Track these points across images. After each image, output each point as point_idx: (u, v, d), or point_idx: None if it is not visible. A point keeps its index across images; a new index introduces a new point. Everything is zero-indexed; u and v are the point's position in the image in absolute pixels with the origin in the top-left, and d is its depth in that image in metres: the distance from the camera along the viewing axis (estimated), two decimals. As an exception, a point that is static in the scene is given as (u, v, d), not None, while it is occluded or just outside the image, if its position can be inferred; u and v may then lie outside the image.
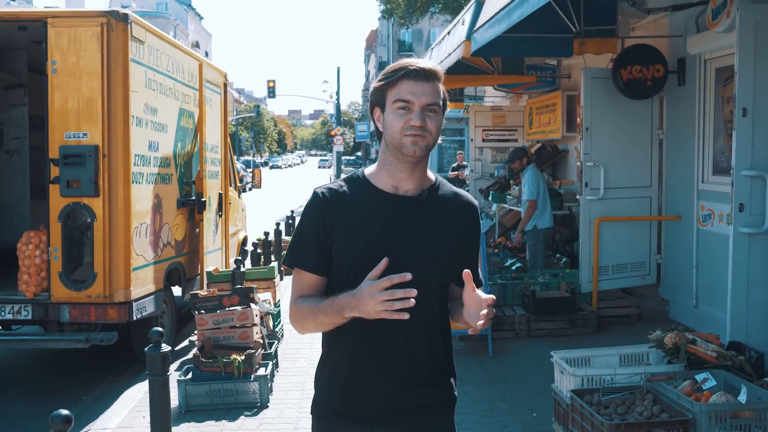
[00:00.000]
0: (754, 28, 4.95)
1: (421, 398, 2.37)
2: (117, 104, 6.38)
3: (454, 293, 2.48)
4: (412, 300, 2.07)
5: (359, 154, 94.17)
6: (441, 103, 2.34)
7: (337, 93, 50.57)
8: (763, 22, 4.94)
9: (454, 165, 22.66)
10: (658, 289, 8.87)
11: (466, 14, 8.87)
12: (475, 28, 7.92)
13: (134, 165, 6.57)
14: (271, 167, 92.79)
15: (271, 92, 50.86)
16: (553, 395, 4.90)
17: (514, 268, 9.55)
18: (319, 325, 2.34)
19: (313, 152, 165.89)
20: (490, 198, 12.76)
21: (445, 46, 10.25)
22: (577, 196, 8.79)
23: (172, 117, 7.67)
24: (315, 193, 2.41)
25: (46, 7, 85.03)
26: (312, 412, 2.47)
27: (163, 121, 7.34)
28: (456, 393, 2.49)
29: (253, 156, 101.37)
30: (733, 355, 4.66)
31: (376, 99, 2.37)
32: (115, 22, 6.36)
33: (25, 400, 6.63)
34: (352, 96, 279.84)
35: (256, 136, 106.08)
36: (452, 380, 2.47)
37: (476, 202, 2.51)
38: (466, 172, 17.61)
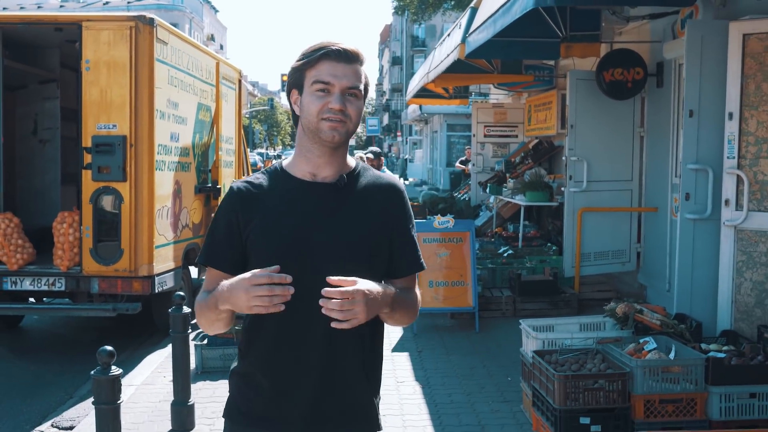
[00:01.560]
0: (700, 41, 5.65)
1: (347, 403, 2.25)
2: (143, 99, 7.13)
3: None
4: (282, 305, 2.00)
5: (372, 148, 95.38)
6: (362, 87, 2.23)
7: (350, 87, 51.29)
8: (708, 36, 5.63)
9: (462, 159, 23.31)
10: (637, 275, 9.57)
11: (463, 18, 9.60)
12: (469, 33, 8.64)
13: (158, 154, 7.33)
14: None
15: (285, 86, 51.70)
16: (521, 357, 5.62)
17: (505, 255, 10.25)
18: (206, 321, 2.23)
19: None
20: (488, 190, 13.47)
21: (445, 46, 10.97)
22: (562, 188, 9.50)
23: (191, 111, 8.43)
24: (230, 188, 2.30)
25: (61, 2, 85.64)
26: (225, 415, 2.32)
27: (183, 114, 8.10)
28: (378, 399, 2.36)
29: (267, 149, 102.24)
30: (676, 323, 5.37)
31: (294, 80, 2.23)
32: (142, 26, 7.10)
33: (59, 361, 7.44)
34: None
35: (269, 129, 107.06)
36: (377, 383, 2.36)
37: (401, 184, 2.37)
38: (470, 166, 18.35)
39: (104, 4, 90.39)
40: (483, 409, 5.70)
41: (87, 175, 7.10)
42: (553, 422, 4.74)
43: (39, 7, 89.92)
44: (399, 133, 67.51)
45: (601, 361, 5.00)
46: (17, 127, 9.09)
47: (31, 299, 8.20)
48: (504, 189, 12.26)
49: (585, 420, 4.67)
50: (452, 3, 28.68)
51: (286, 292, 1.97)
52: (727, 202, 5.41)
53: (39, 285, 7.36)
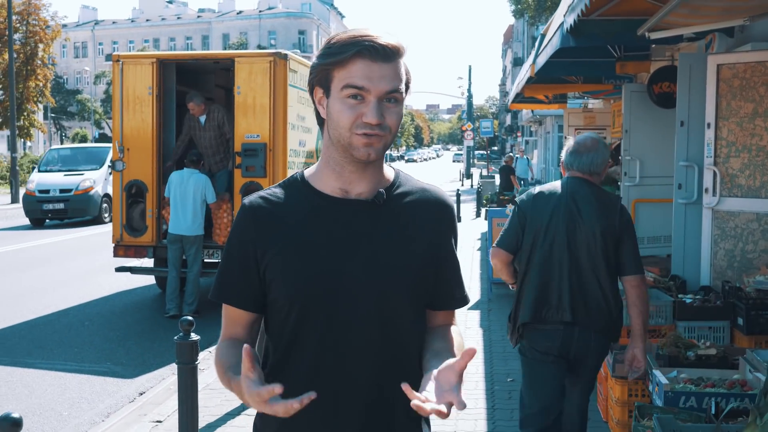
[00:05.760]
0: (688, 68, 7.41)
1: None
2: (279, 115, 9.45)
3: (430, 323, 2.02)
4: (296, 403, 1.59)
5: (495, 148, 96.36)
6: (403, 87, 1.86)
7: (468, 90, 53.20)
8: (694, 65, 7.37)
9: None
10: (688, 257, 11.20)
11: (537, 42, 11.53)
12: (537, 55, 10.58)
13: (289, 156, 9.64)
14: (407, 161, 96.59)
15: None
16: (552, 306, 7.56)
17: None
18: (232, 391, 1.85)
19: (449, 146, 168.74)
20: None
21: (527, 64, 12.91)
22: (618, 183, 11.27)
23: (314, 122, 10.72)
24: (243, 206, 1.95)
25: (198, 12, 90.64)
26: None
27: (308, 125, 10.41)
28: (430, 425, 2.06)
29: (390, 150, 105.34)
30: (666, 281, 7.19)
31: (319, 78, 1.87)
32: (278, 60, 9.42)
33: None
34: (490, 90, 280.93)
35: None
36: (427, 424, 2.06)
37: (451, 200, 2.05)
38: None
39: (237, 13, 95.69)
40: (524, 344, 7.67)
41: (238, 173, 9.49)
42: (562, 344, 6.71)
43: (179, 17, 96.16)
44: (519, 134, 68.78)
45: (603, 305, 6.90)
46: (183, 136, 11.65)
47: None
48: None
49: (584, 343, 6.61)
50: (569, 6, 30.13)
51: (288, 408, 1.60)
52: (706, 190, 7.14)
53: (205, 255, 9.82)
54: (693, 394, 4.28)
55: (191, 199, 9.24)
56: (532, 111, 35.35)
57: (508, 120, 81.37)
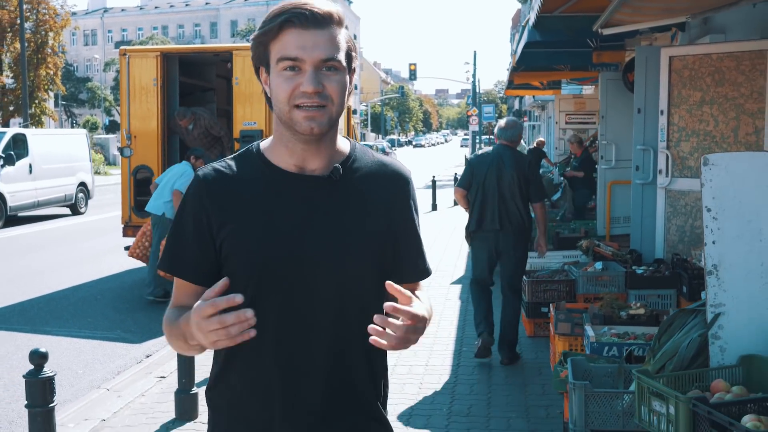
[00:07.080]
0: (644, 59, 8.07)
1: (355, 417, 1.92)
2: (274, 104, 10.16)
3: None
4: (252, 329, 1.57)
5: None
6: (342, 56, 1.78)
7: (474, 75, 53.62)
8: (649, 57, 8.03)
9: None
10: (662, 235, 11.89)
11: (519, 33, 12.20)
12: (518, 45, 11.25)
13: (285, 142, 10.36)
14: (415, 146, 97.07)
15: (413, 75, 54.56)
16: (521, 277, 8.30)
17: (557, 218, 12.77)
18: (178, 348, 1.88)
19: (457, 131, 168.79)
20: (557, 169, 15.98)
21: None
22: (596, 166, 11.95)
23: (310, 110, 11.47)
24: (196, 177, 1.88)
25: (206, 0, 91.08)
26: None
27: (303, 113, 11.13)
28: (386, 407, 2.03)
29: (398, 135, 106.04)
30: (623, 254, 7.90)
31: (258, 56, 1.82)
32: (273, 52, 10.14)
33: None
34: (499, 74, 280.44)
35: (401, 116, 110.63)
36: (386, 390, 2.03)
37: (408, 171, 2.01)
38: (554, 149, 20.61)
39: (245, 0, 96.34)
40: (496, 312, 8.42)
41: (237, 158, 10.21)
42: (526, 310, 7.44)
43: (187, 5, 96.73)
44: (525, 118, 69.07)
45: (564, 276, 7.62)
46: (187, 123, 12.39)
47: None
48: (567, 169, 14.73)
49: (544, 309, 7.34)
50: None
51: (241, 318, 1.55)
52: (660, 171, 7.82)
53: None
54: (615, 344, 5.00)
55: (164, 182, 9.44)
56: (534, 96, 35.90)
57: (516, 104, 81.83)
